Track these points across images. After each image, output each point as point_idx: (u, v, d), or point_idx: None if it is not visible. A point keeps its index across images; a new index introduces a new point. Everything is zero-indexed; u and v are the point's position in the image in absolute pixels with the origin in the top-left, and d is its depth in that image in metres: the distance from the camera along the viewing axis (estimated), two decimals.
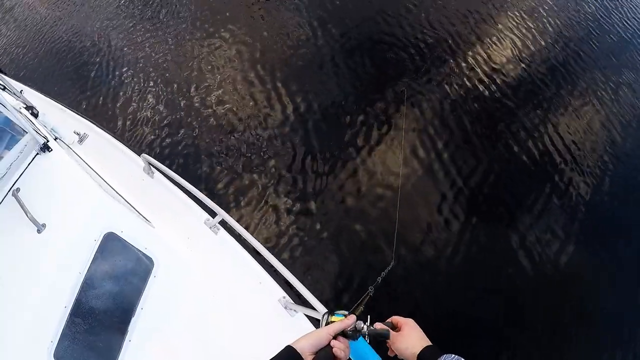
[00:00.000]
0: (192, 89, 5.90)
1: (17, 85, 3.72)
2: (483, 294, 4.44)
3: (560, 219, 5.01)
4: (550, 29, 7.39)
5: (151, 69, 6.30)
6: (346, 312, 1.31)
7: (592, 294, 4.64)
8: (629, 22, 8.11)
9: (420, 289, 4.33)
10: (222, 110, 5.60)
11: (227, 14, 6.99)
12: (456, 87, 6.07)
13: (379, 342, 1.34)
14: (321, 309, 2.16)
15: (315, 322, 2.43)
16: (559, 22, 7.54)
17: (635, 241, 5.10)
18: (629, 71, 7.11)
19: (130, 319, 2.25)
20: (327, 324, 1.27)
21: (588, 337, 4.38)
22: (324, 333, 1.18)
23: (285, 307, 2.44)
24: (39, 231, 2.42)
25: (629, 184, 5.61)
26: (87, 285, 2.28)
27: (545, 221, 4.95)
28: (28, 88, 3.91)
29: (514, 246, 4.72)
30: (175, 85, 5.99)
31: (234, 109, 5.60)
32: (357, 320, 1.25)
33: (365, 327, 1.25)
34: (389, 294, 4.14)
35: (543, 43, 7.09)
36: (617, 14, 8.19)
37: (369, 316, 1.31)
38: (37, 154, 2.88)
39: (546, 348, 4.22)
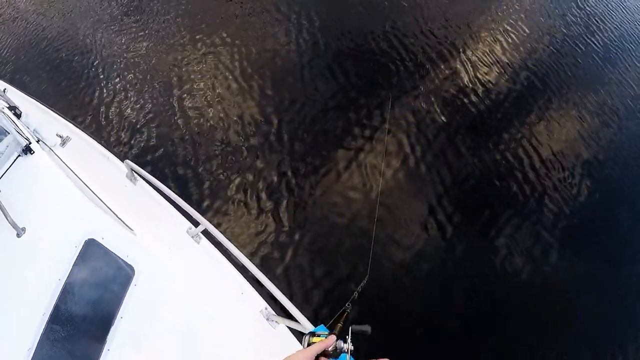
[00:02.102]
0: (178, 97, 5.90)
1: (0, 85, 3.66)
2: (461, 303, 4.56)
3: (539, 229, 5.21)
4: (534, 43, 7.73)
5: (137, 75, 6.26)
6: (327, 332, 1.35)
7: (570, 299, 4.82)
8: (611, 41, 8.51)
9: (398, 301, 4.40)
10: (207, 119, 5.60)
11: (215, 21, 7.03)
12: (439, 98, 6.26)
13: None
14: (303, 321, 2.18)
15: (297, 334, 2.46)
16: (543, 39, 7.89)
17: (612, 249, 5.33)
18: (612, 87, 7.47)
19: (110, 327, 2.22)
20: (309, 344, 1.31)
21: (566, 342, 4.54)
22: (307, 355, 1.21)
23: (267, 319, 2.46)
24: (18, 235, 2.37)
25: (609, 194, 5.85)
26: (67, 292, 2.24)
27: (524, 232, 5.14)
28: (11, 87, 3.83)
29: (492, 257, 4.87)
30: (161, 92, 5.98)
31: (219, 117, 5.62)
32: (337, 339, 1.28)
33: (345, 346, 1.29)
34: (367, 308, 4.18)
35: (527, 56, 7.42)
36: (600, 34, 8.60)
37: (349, 333, 1.35)
38: (19, 155, 2.83)
39: (525, 353, 4.34)
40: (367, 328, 1.37)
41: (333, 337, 1.28)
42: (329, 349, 1.26)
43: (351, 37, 6.88)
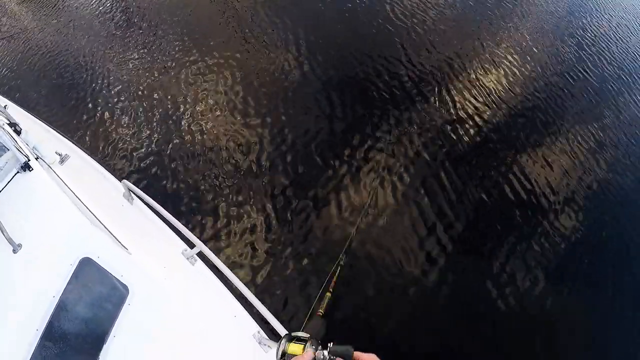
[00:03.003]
0: (177, 119, 5.99)
1: (1, 101, 3.70)
2: (452, 327, 4.57)
3: (532, 258, 5.27)
4: (531, 71, 8.03)
5: (137, 96, 6.36)
6: (306, 336, 1.33)
7: (561, 328, 4.84)
8: (606, 68, 8.87)
9: (387, 329, 4.40)
10: (205, 142, 5.68)
11: (213, 42, 7.21)
12: (434, 124, 6.42)
13: None
14: None
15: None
16: (542, 64, 8.21)
17: (605, 282, 5.39)
18: (608, 114, 7.74)
19: (102, 346, 2.22)
20: (283, 353, 1.28)
21: None
22: None
23: (259, 343, 2.47)
24: (14, 251, 2.38)
25: (603, 225, 5.96)
26: (61, 309, 2.23)
27: (516, 261, 5.18)
28: (12, 104, 3.88)
29: (486, 282, 4.93)
30: (161, 113, 6.07)
31: (217, 141, 5.71)
32: (316, 350, 1.25)
33: (324, 354, 1.24)
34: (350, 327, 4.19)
35: (524, 84, 7.68)
36: (599, 59, 8.97)
37: (327, 349, 1.28)
38: (18, 172, 2.85)
39: None
40: (349, 350, 1.24)
41: (310, 354, 1.24)
42: None
43: (349, 65, 7.08)
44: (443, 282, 4.77)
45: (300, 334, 1.34)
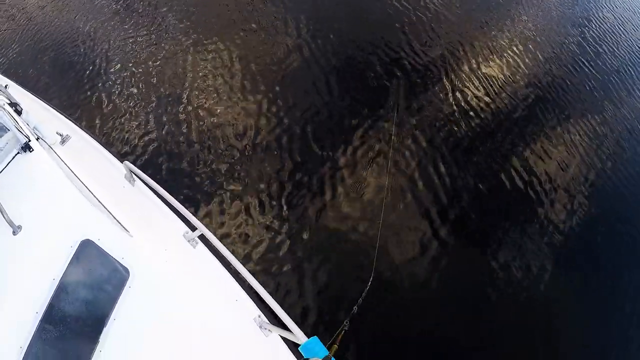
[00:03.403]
0: (181, 100, 5.91)
1: (1, 80, 3.66)
2: (459, 319, 4.56)
3: (536, 247, 5.25)
4: (537, 61, 7.84)
5: (140, 76, 6.27)
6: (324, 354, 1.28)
7: (561, 318, 4.84)
8: (610, 61, 8.67)
9: (398, 320, 4.40)
10: (209, 124, 5.61)
11: (220, 25, 7.08)
12: (444, 114, 6.33)
13: None
14: (296, 331, 2.19)
15: (290, 343, 2.45)
16: (545, 55, 8.03)
17: (604, 270, 5.37)
18: (610, 107, 7.58)
19: (102, 328, 2.22)
20: None
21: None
22: None
23: (260, 327, 2.46)
24: (14, 233, 2.37)
25: (604, 215, 5.90)
26: (61, 291, 2.23)
27: (521, 249, 5.17)
28: (13, 83, 3.82)
29: (492, 271, 4.91)
30: (163, 94, 5.98)
31: (222, 123, 5.63)
32: None
33: None
34: (366, 326, 4.16)
35: (530, 72, 7.52)
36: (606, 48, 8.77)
37: None
38: (18, 152, 2.82)
39: None
40: None
41: None
42: None
43: (359, 48, 6.96)
44: (445, 279, 4.74)
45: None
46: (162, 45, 6.73)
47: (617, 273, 5.38)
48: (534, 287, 4.92)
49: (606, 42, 9.15)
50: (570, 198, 5.87)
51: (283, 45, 6.78)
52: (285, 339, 2.44)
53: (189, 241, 2.88)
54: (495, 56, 7.63)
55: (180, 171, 5.10)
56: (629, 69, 8.69)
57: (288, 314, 2.26)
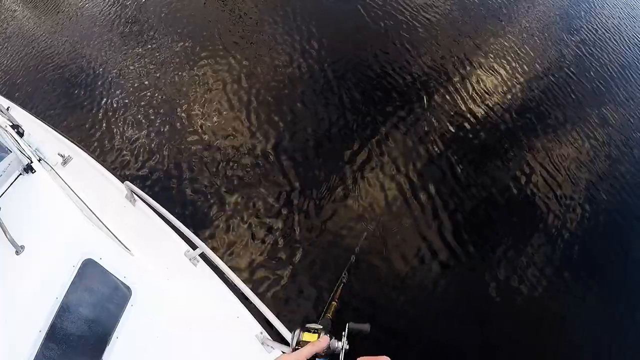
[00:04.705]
0: (181, 121, 5.97)
1: (4, 102, 3.72)
2: (459, 319, 4.56)
3: (537, 253, 5.24)
4: (535, 65, 7.98)
5: (141, 98, 6.34)
6: (319, 327, 1.29)
7: (564, 325, 4.82)
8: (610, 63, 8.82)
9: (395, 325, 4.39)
10: (208, 144, 5.66)
11: (216, 41, 7.21)
12: (439, 120, 6.39)
13: None
14: None
15: None
16: (542, 60, 8.17)
17: (608, 277, 5.36)
18: (611, 109, 7.66)
19: (105, 347, 2.22)
20: (298, 342, 1.22)
21: None
22: (299, 357, 1.10)
23: (262, 343, 2.47)
24: (17, 252, 2.38)
25: (605, 220, 5.90)
26: (64, 310, 2.24)
27: (521, 255, 5.16)
28: (15, 105, 3.89)
29: (490, 278, 4.90)
30: (164, 116, 6.04)
31: (220, 143, 5.67)
32: (330, 339, 1.19)
33: (339, 344, 1.19)
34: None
35: (528, 77, 7.64)
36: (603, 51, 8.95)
37: (345, 330, 1.26)
38: (20, 174, 2.86)
39: None
40: (366, 327, 1.25)
41: (326, 339, 1.18)
42: (322, 352, 1.15)
43: (355, 61, 7.07)
44: (448, 281, 4.75)
45: (313, 325, 1.32)
46: (163, 63, 6.84)
47: (624, 277, 5.39)
48: (532, 290, 4.91)
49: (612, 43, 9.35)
50: (572, 204, 5.89)
51: (287, 58, 6.90)
52: None
53: (190, 259, 2.90)
54: (496, 64, 7.78)
55: (180, 190, 5.12)
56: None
57: (289, 329, 2.27)
